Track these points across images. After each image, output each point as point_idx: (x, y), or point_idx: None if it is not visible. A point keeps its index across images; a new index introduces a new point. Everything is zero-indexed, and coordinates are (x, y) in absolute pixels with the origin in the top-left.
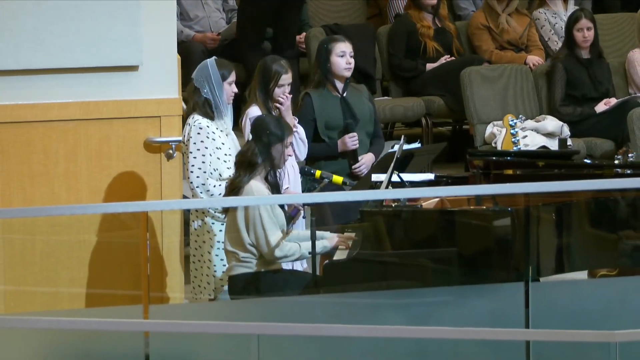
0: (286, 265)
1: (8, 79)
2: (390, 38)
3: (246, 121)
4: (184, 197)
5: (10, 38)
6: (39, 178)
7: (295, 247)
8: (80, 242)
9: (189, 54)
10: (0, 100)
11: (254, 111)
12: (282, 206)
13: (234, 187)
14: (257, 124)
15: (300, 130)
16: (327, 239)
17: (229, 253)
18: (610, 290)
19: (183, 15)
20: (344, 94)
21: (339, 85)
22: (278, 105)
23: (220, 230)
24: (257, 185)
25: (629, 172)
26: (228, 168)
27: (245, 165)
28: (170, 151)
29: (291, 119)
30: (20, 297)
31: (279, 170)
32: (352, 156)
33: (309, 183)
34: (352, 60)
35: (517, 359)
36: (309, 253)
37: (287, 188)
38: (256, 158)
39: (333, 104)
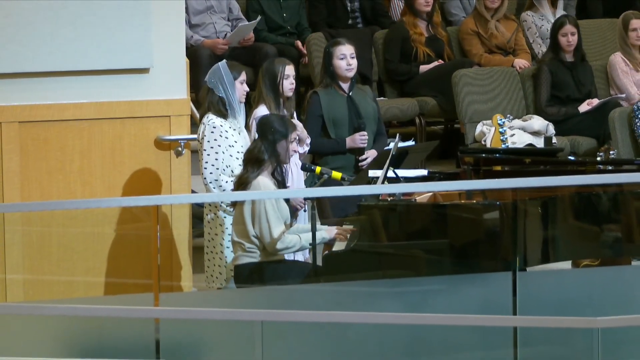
0: (288, 256)
1: (26, 80)
2: (386, 44)
3: (255, 121)
4: (193, 191)
5: (28, 42)
6: (55, 174)
7: (296, 239)
8: (94, 234)
9: (197, 57)
10: (19, 101)
11: (262, 111)
12: (286, 200)
13: (242, 183)
14: (262, 122)
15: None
16: (325, 230)
17: (236, 244)
18: (592, 279)
19: (190, 22)
20: (350, 93)
21: (344, 85)
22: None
23: (232, 224)
24: (264, 181)
25: (610, 168)
26: (240, 165)
27: (252, 162)
28: (180, 148)
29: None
30: (38, 286)
31: (284, 165)
32: (359, 152)
33: (311, 179)
34: (353, 62)
35: (505, 344)
36: (309, 244)
37: (288, 186)
38: (263, 155)
39: (340, 102)
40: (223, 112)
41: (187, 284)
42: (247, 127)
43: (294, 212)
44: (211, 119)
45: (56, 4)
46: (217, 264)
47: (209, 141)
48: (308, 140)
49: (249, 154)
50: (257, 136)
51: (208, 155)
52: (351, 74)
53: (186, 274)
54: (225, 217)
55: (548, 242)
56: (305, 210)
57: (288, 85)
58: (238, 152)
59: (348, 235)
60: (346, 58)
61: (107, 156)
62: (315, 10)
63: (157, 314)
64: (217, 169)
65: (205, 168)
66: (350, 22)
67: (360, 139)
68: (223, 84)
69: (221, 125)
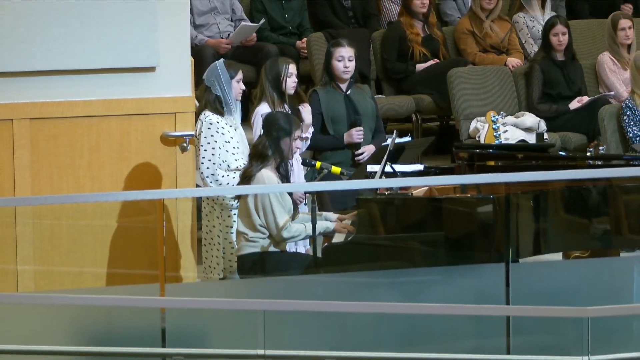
0: (290, 248)
1: (37, 79)
2: (383, 43)
3: (256, 118)
4: (197, 186)
5: (39, 42)
6: (65, 169)
7: (302, 228)
8: (102, 226)
9: (201, 56)
10: (30, 99)
11: (264, 108)
12: (289, 193)
13: (246, 176)
14: (268, 119)
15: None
16: (331, 222)
17: (240, 234)
18: (582, 270)
19: (195, 23)
20: (348, 92)
21: (342, 84)
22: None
23: (229, 216)
24: (267, 174)
25: (599, 163)
26: (236, 160)
27: (257, 156)
28: (184, 144)
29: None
30: (48, 277)
31: (288, 161)
32: (356, 147)
33: (311, 174)
34: (350, 64)
35: (498, 332)
36: (312, 234)
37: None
38: (267, 150)
39: (338, 100)
40: (219, 109)
41: (192, 274)
42: (248, 121)
43: (294, 205)
44: (208, 115)
45: (65, 5)
46: (214, 255)
47: (205, 137)
48: (310, 130)
49: (254, 149)
50: (262, 132)
51: (205, 150)
52: (347, 76)
53: (190, 265)
54: (222, 210)
55: (540, 234)
56: (305, 204)
57: (291, 83)
58: (234, 147)
59: (353, 228)
60: (344, 60)
61: (115, 151)
62: (319, 8)
63: (162, 304)
64: (214, 164)
65: (202, 163)
66: (350, 21)
67: (356, 134)
68: (220, 82)
69: (217, 122)
